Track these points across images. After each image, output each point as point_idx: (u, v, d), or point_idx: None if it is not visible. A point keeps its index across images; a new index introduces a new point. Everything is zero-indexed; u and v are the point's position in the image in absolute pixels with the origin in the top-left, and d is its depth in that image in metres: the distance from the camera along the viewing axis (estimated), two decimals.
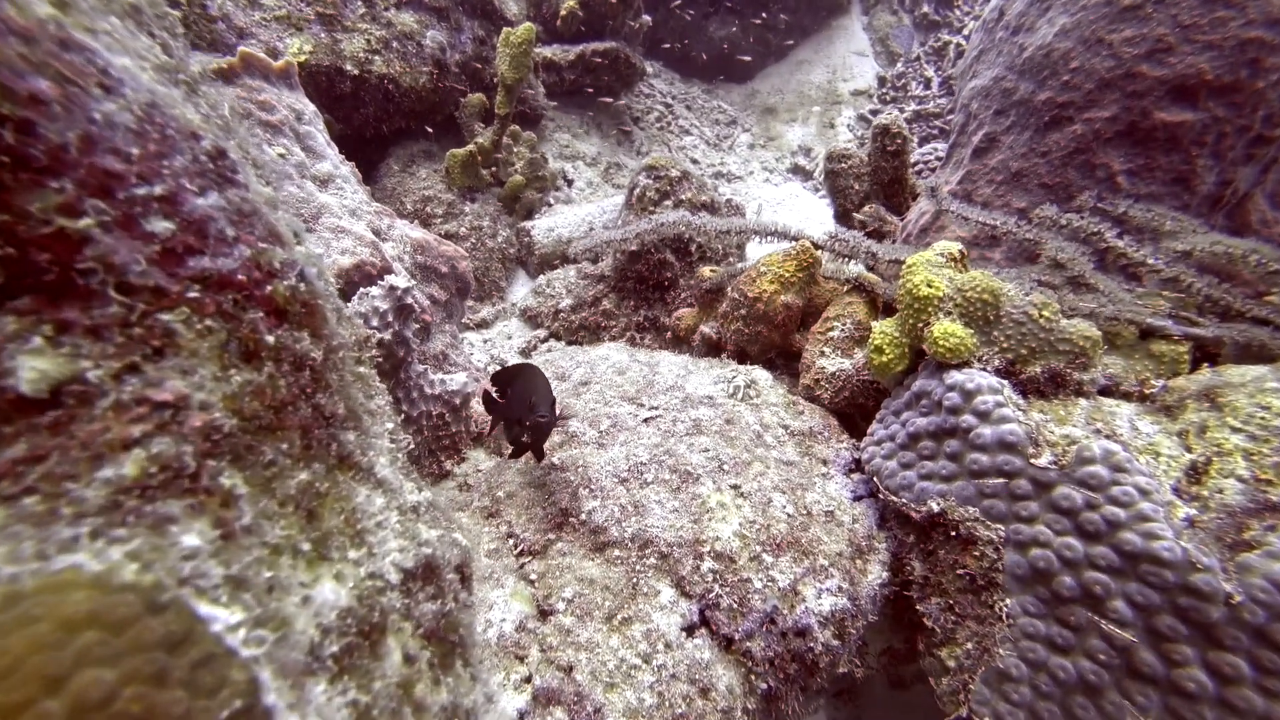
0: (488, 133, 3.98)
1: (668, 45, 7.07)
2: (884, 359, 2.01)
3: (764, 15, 7.08)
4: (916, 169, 3.18)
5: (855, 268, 2.55)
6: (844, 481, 2.11)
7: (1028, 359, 1.73)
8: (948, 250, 1.89)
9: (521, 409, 1.84)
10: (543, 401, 1.77)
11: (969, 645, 1.52)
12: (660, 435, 2.15)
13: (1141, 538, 1.28)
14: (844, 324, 2.41)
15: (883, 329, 2.02)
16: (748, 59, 7.09)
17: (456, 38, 3.93)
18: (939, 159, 3.17)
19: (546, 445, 2.23)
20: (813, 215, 5.79)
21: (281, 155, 2.38)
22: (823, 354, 2.41)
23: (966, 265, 1.92)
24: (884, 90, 6.79)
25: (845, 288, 2.56)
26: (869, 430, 2.10)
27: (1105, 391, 1.72)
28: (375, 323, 2.18)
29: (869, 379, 2.24)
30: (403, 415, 2.39)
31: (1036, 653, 1.39)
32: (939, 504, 1.68)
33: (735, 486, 1.97)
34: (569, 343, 3.73)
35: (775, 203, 5.93)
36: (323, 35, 3.34)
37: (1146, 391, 1.72)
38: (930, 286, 1.84)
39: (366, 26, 3.47)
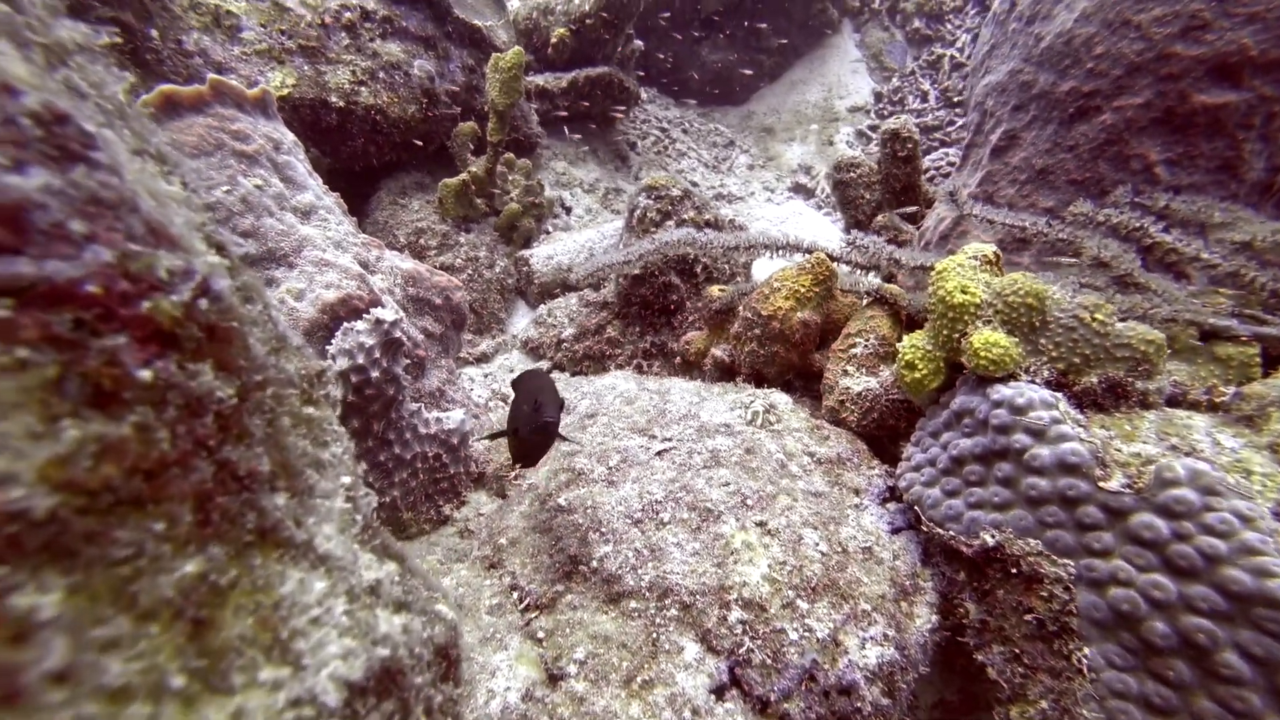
0: (481, 161, 3.88)
1: (662, 62, 7.05)
2: (916, 375, 1.83)
3: (756, 37, 7.07)
4: (928, 175, 3.06)
5: (874, 280, 2.39)
6: (879, 512, 1.92)
7: (1081, 368, 1.56)
8: (981, 252, 1.73)
9: (525, 414, 1.63)
10: (549, 404, 1.58)
11: (1044, 704, 1.31)
12: (675, 469, 1.97)
13: (1252, 575, 1.09)
14: (867, 340, 2.23)
15: (913, 342, 1.85)
16: (747, 73, 7.06)
17: (445, 66, 3.85)
18: (951, 164, 3.04)
19: (554, 484, 2.05)
20: (818, 232, 5.67)
21: (258, 187, 2.26)
22: (846, 373, 2.23)
23: (1001, 268, 1.75)
24: (881, 105, 6.73)
25: (865, 301, 2.39)
26: (904, 454, 1.91)
27: (1172, 402, 1.54)
28: (361, 359, 2.02)
29: (899, 398, 2.06)
30: (395, 458, 2.22)
31: (1130, 715, 1.19)
32: (993, 536, 1.49)
33: (761, 523, 1.78)
34: (573, 373, 3.57)
35: (778, 221, 5.81)
36: (306, 68, 3.25)
37: (1217, 400, 1.53)
38: (965, 293, 1.67)
39: (351, 58, 3.39)
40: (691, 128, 6.93)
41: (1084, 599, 1.31)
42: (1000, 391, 1.54)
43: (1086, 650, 1.27)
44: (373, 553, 0.67)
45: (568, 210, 4.72)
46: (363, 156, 3.68)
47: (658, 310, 3.31)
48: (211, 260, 0.53)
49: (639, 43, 5.67)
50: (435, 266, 3.80)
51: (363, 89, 3.44)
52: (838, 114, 6.95)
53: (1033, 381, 1.54)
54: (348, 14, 3.52)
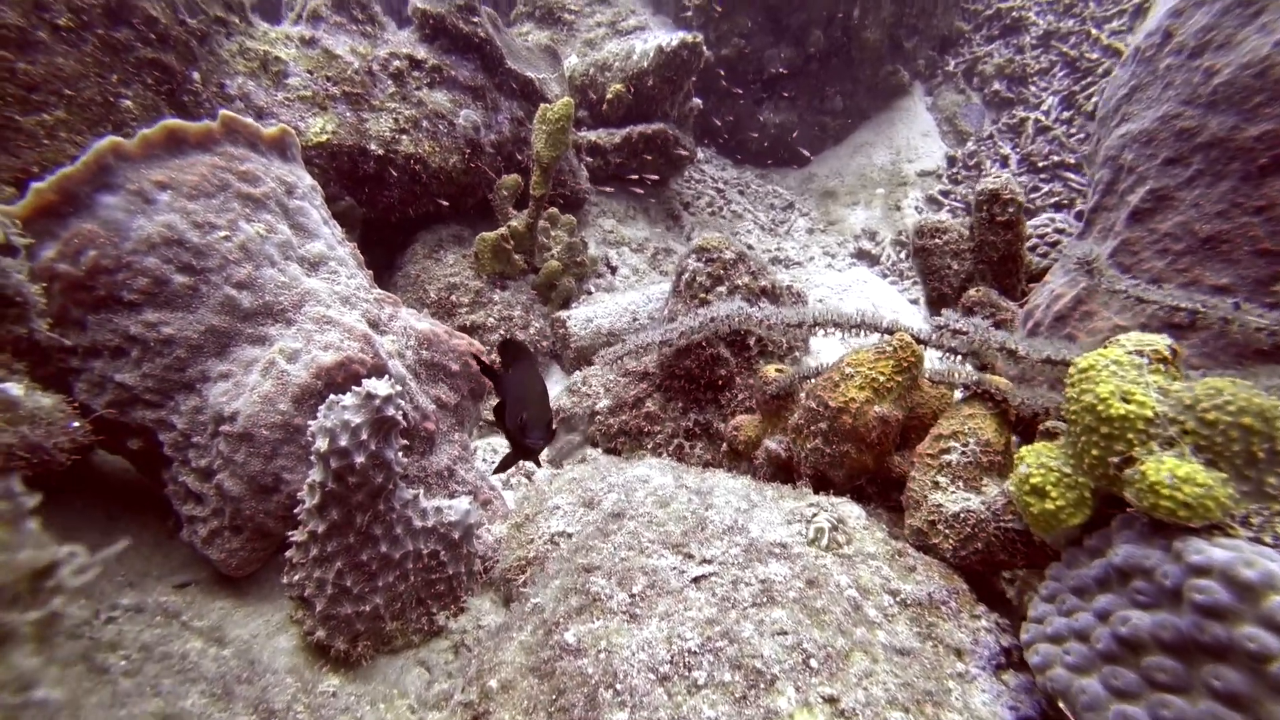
0: (521, 216, 3.64)
1: (721, 122, 6.85)
2: (1048, 506, 1.35)
3: (820, 99, 6.83)
4: (1030, 244, 2.62)
5: (972, 369, 1.93)
6: (994, 688, 1.41)
7: None
8: (1149, 345, 1.27)
9: (513, 420, 1.71)
10: (536, 420, 1.66)
11: None
12: (716, 605, 1.52)
13: None
14: (965, 444, 1.76)
15: (1043, 462, 1.37)
16: (794, 140, 6.79)
17: (493, 118, 3.68)
18: (1057, 231, 2.61)
19: (562, 609, 1.62)
20: (883, 303, 5.20)
21: (261, 234, 2.00)
22: (937, 485, 1.76)
23: (1180, 369, 1.28)
24: (954, 170, 6.31)
25: (961, 395, 1.93)
26: (1031, 609, 1.41)
27: None
28: (345, 441, 1.68)
29: (1016, 526, 1.56)
30: (381, 558, 1.84)
31: None
32: None
33: (831, 699, 1.31)
34: (606, 450, 3.17)
35: (840, 289, 5.38)
36: (348, 115, 3.10)
37: None
38: (1129, 402, 1.21)
39: (395, 106, 3.23)
40: (749, 189, 6.66)
41: None
42: (1207, 553, 1.05)
43: None
44: None
45: (613, 270, 4.42)
46: (400, 206, 3.49)
47: (704, 385, 2.91)
48: None
49: (697, 101, 5.48)
50: (466, 324, 3.52)
51: (404, 137, 3.26)
52: (906, 178, 6.56)
53: (1257, 540, 1.05)
54: (396, 63, 3.39)
